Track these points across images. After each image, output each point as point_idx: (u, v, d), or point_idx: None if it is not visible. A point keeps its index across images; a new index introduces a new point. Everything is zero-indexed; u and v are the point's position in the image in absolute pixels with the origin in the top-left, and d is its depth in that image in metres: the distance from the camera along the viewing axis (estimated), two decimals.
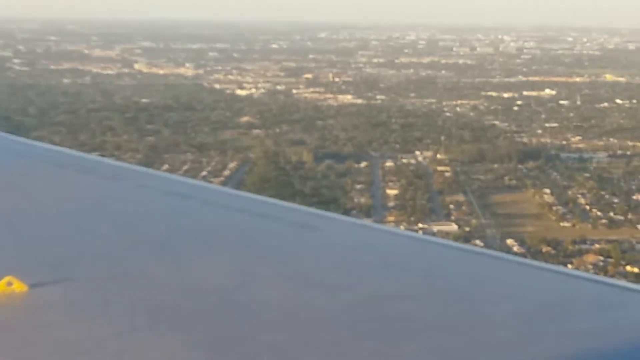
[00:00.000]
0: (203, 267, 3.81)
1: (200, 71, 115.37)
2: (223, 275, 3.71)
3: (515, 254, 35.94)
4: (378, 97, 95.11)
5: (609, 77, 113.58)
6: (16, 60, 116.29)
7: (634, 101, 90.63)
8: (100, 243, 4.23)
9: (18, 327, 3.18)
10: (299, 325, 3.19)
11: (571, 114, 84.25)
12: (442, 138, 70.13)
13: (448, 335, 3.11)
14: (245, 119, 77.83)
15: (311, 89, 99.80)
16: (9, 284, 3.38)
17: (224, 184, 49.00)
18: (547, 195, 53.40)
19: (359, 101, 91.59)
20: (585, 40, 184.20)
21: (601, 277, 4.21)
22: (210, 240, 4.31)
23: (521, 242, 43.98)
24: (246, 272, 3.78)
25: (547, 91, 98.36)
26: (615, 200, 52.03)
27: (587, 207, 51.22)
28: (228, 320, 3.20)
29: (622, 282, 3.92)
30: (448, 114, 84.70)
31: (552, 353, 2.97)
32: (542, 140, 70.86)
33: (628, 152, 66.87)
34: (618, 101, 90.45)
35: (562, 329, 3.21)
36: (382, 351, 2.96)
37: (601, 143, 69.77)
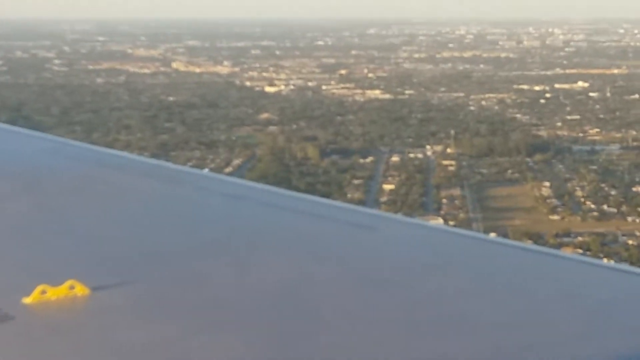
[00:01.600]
0: (264, 268, 3.83)
1: (237, 69, 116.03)
2: (285, 277, 3.71)
3: None
4: (407, 92, 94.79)
5: None
6: (57, 61, 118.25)
7: None
8: (161, 245, 4.27)
9: (81, 331, 3.17)
10: (361, 325, 3.20)
11: (597, 106, 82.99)
12: (457, 132, 69.62)
13: (509, 334, 3.13)
14: (264, 115, 78.20)
15: (341, 85, 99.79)
16: (71, 287, 3.38)
17: None
18: (545, 188, 52.72)
19: (386, 96, 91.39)
20: (636, 32, 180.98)
21: None
22: (270, 242, 4.33)
23: (503, 236, 43.39)
24: (308, 274, 3.81)
25: (580, 83, 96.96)
26: (613, 193, 51.15)
27: (582, 200, 50.42)
28: (290, 321, 3.21)
29: None
30: (472, 107, 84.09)
31: (614, 351, 2.98)
32: (560, 133, 69.91)
33: None
34: None
35: (624, 326, 3.21)
36: (444, 351, 2.97)
37: (619, 135, 68.61)
